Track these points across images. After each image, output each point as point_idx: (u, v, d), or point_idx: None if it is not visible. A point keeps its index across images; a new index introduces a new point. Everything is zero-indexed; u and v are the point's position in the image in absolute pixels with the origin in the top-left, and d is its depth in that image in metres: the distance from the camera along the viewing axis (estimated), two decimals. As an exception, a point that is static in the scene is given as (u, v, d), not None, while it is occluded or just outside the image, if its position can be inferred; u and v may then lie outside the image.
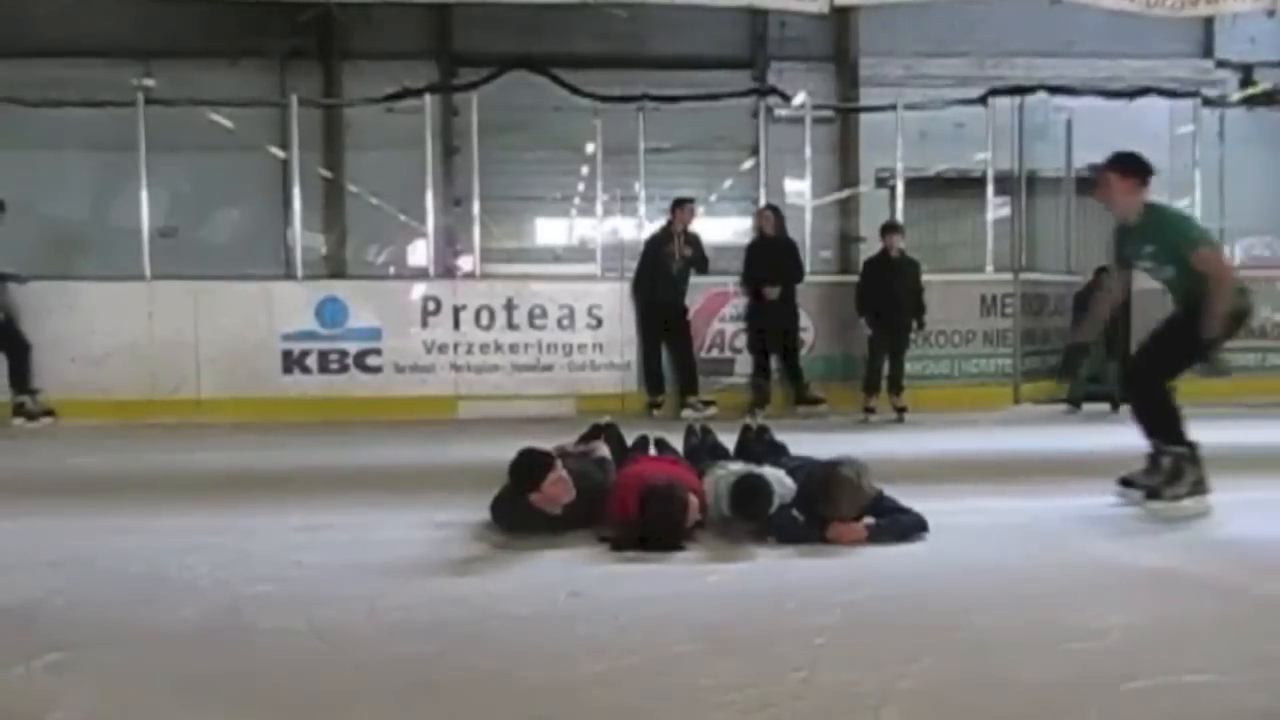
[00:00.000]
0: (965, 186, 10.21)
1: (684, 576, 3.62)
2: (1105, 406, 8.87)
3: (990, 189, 9.39)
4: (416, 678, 2.69)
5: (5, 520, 4.58)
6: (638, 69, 11.13)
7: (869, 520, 3.94)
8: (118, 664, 2.80)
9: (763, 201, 9.29)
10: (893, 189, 9.51)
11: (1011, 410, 9.05)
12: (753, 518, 3.99)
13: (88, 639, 2.97)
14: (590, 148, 10.93)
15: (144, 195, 8.43)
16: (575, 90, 9.49)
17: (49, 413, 7.78)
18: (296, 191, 8.77)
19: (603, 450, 4.60)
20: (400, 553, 3.92)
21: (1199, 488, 4.39)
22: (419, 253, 12.08)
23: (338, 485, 5.36)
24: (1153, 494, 4.43)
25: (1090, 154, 10.49)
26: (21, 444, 7.19)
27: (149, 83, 9.60)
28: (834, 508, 3.90)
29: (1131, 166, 4.51)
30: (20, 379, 7.73)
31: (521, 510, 4.12)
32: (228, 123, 10.46)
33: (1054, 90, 10.02)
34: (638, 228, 9.27)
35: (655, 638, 2.96)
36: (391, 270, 12.51)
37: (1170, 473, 4.39)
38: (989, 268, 9.33)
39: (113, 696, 2.56)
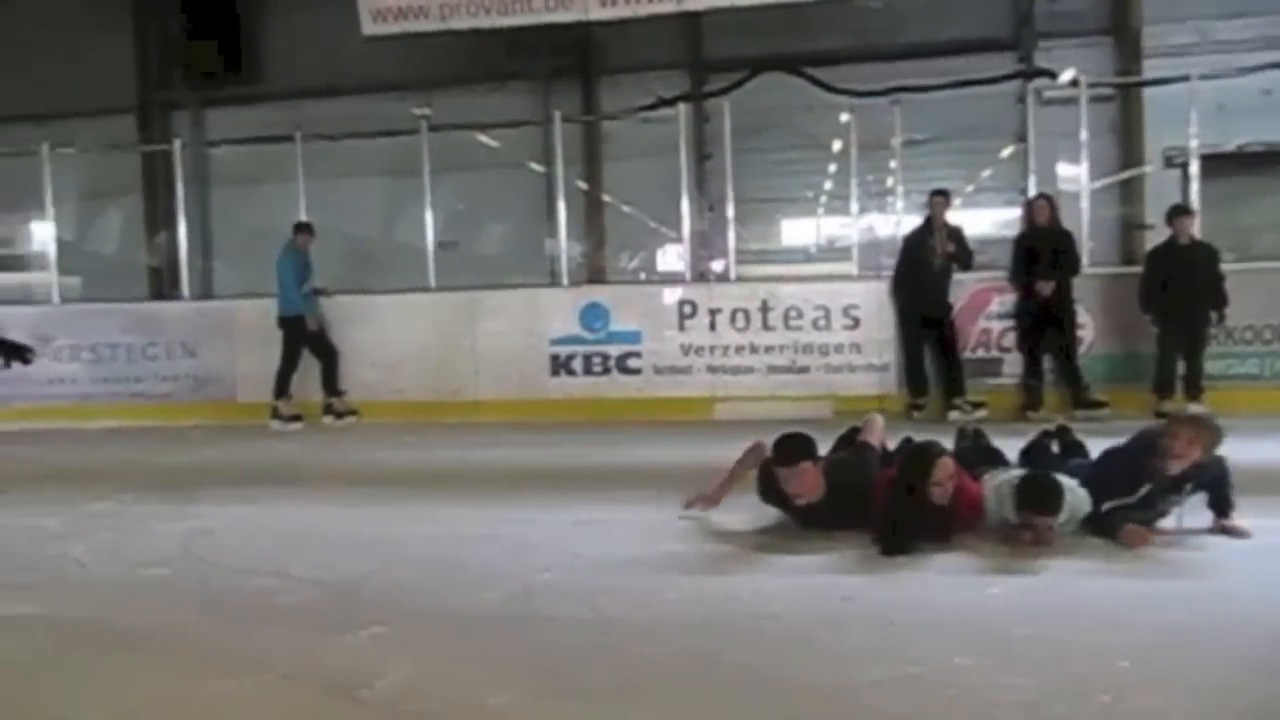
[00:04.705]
0: (1275, 161, 9.05)
1: (962, 586, 3.47)
2: None
3: (1306, 162, 8.28)
4: (698, 672, 2.76)
5: (325, 505, 5.18)
6: (891, 60, 10.76)
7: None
8: (430, 639, 3.08)
9: (1032, 189, 8.72)
10: (1184, 168, 8.59)
11: (1338, 414, 7.91)
12: (1046, 511, 3.77)
13: (402, 615, 3.29)
14: (838, 144, 10.71)
15: (428, 214, 9.23)
16: (828, 87, 9.37)
17: (353, 412, 8.70)
18: (561, 204, 9.24)
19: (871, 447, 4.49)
20: (672, 549, 4.03)
21: None
22: (669, 257, 12.36)
23: (607, 482, 5.61)
24: None
25: None
26: (331, 439, 8.08)
27: (427, 111, 10.45)
28: (1175, 443, 3.71)
29: None
30: (330, 382, 8.71)
31: (770, 484, 4.15)
32: (494, 142, 11.21)
33: (1389, 45, 8.67)
34: (895, 224, 8.98)
35: (935, 647, 2.86)
36: (643, 275, 12.88)
37: None
38: (1306, 252, 8.21)
39: (428, 669, 2.82)
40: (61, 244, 10.09)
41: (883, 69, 10.31)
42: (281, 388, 8.55)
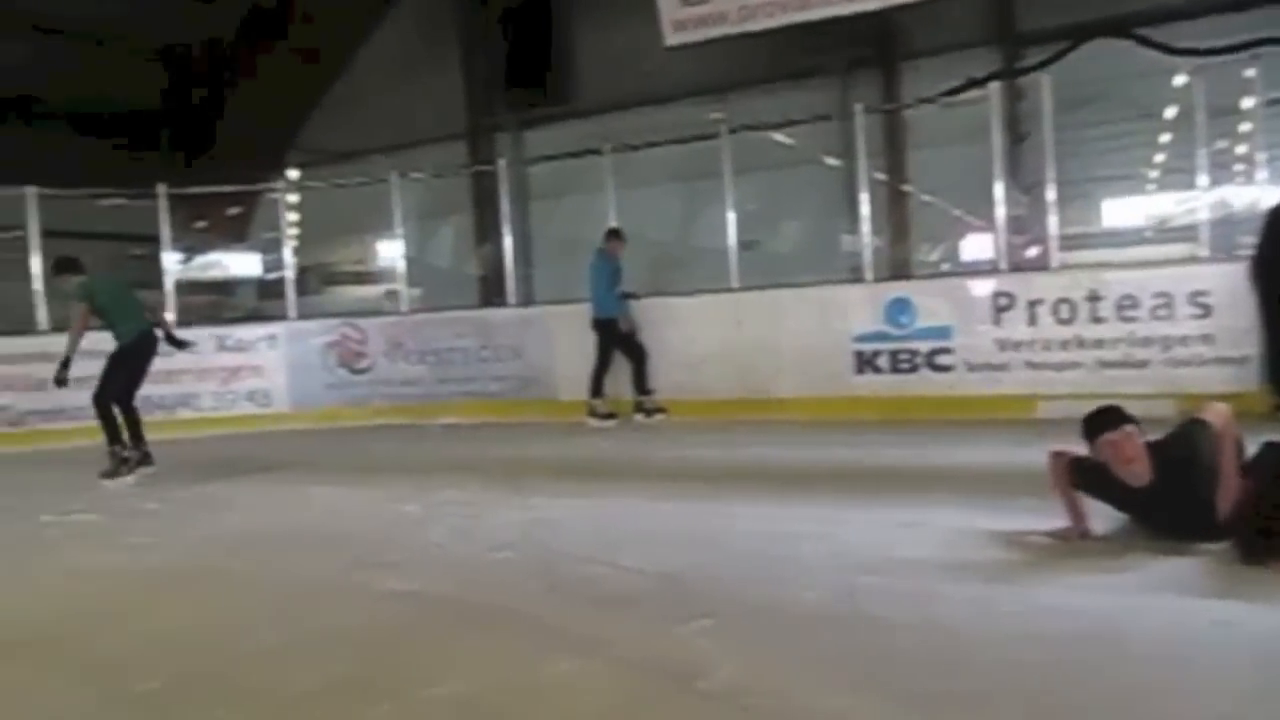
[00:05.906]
0: None
1: (1372, 615, 2.96)
2: None
3: None
4: (1048, 688, 2.56)
5: (643, 499, 5.40)
6: (1239, 10, 9.46)
7: None
8: (756, 635, 3.10)
9: None
10: None
11: None
12: None
13: (727, 609, 3.34)
14: (1170, 112, 9.58)
15: (730, 216, 9.34)
16: (1167, 49, 8.38)
17: (662, 410, 9.02)
18: (864, 197, 8.96)
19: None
20: (1001, 556, 3.79)
21: None
22: (973, 247, 11.69)
23: (922, 483, 5.37)
24: None
25: None
26: (642, 436, 8.43)
27: (720, 115, 10.60)
28: None
29: None
30: (640, 381, 9.09)
31: (1091, 474, 3.80)
32: (789, 140, 11.14)
33: None
34: (1252, 198, 7.86)
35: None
36: (945, 267, 12.27)
37: None
38: None
39: (759, 665, 2.84)
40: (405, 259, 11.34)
41: (1229, 21, 9.09)
42: (596, 387, 9.04)
